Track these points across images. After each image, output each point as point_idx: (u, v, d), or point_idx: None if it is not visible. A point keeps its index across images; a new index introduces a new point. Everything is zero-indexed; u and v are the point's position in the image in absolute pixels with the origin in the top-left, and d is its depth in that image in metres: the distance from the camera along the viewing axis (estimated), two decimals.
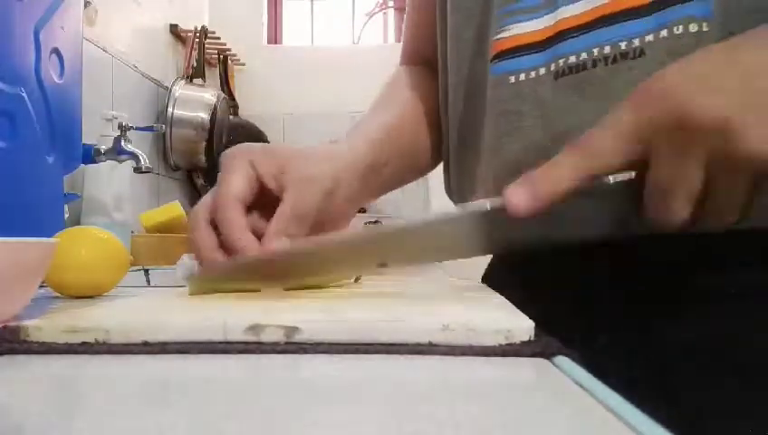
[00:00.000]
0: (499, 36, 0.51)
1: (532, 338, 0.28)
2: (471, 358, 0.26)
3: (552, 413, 0.20)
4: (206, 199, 0.48)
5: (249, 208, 0.47)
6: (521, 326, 0.28)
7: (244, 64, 2.17)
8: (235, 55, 2.11)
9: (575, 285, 0.50)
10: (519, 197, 0.36)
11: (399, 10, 2.39)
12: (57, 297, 0.53)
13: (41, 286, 0.47)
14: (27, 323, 0.29)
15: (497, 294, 0.44)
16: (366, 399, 0.21)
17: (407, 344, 0.28)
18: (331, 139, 0.57)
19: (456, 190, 0.61)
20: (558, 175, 0.36)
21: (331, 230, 0.50)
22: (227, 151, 0.50)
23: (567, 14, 0.48)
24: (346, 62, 2.21)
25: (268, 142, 2.14)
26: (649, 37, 0.44)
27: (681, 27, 0.43)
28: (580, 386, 0.22)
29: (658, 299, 0.46)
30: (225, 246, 0.45)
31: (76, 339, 0.28)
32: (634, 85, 0.36)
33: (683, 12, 0.43)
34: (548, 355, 0.27)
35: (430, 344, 0.28)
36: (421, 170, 0.67)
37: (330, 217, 0.50)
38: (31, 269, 0.39)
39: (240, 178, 0.47)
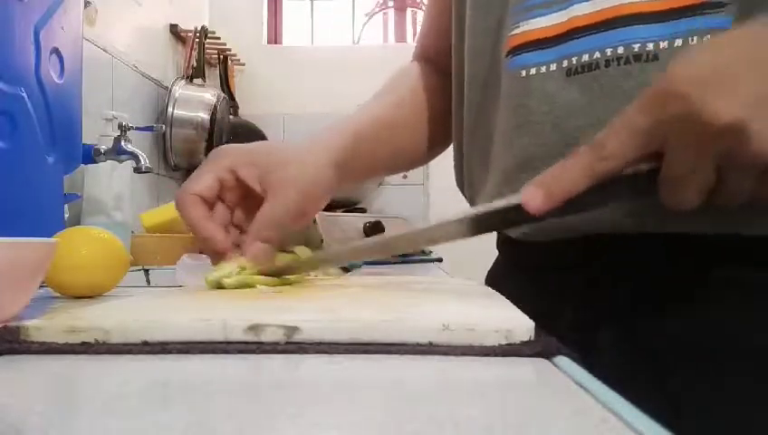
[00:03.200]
0: (513, 32, 0.52)
1: (532, 338, 0.28)
2: (471, 358, 0.26)
3: (552, 413, 0.20)
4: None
5: (233, 209, 0.52)
6: (521, 326, 0.28)
7: (244, 64, 2.17)
8: (235, 55, 2.10)
9: (579, 281, 0.50)
10: (534, 197, 0.37)
11: (399, 10, 2.39)
12: (57, 297, 0.53)
13: (41, 286, 0.47)
14: (27, 323, 0.29)
15: (497, 294, 0.44)
16: (366, 399, 0.21)
17: (407, 344, 0.28)
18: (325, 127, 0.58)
19: (468, 184, 0.62)
20: (571, 177, 0.37)
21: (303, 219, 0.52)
22: (213, 151, 0.52)
23: (579, 11, 0.48)
24: (346, 62, 2.21)
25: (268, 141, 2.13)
26: (664, 44, 0.44)
27: (696, 38, 0.43)
28: (580, 386, 0.22)
29: (661, 297, 0.46)
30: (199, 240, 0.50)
31: (76, 339, 0.28)
32: (646, 87, 0.37)
33: (701, 23, 0.43)
34: (548, 355, 0.27)
35: (430, 344, 0.28)
36: (413, 162, 0.69)
37: (305, 210, 0.51)
38: (31, 269, 0.39)
39: (208, 176, 0.50)
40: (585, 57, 0.47)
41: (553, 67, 0.49)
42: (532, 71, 0.50)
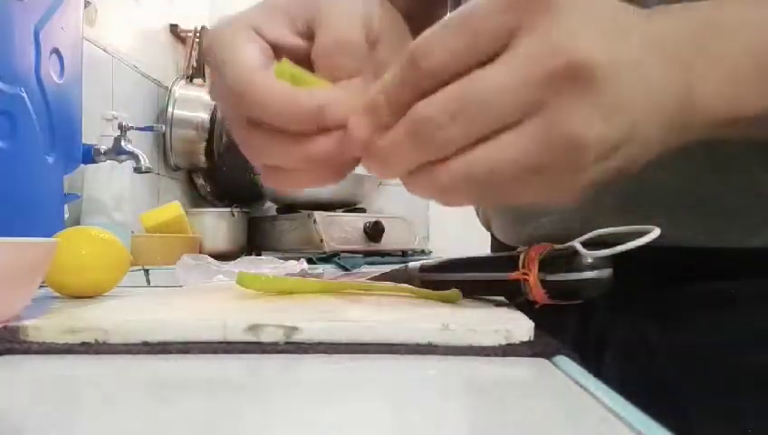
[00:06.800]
0: None
1: (531, 338, 0.28)
2: (471, 358, 0.26)
3: (552, 413, 0.20)
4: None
5: None
6: (521, 326, 0.28)
7: None
8: None
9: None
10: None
11: None
12: (57, 297, 0.53)
13: (41, 286, 0.47)
14: (27, 323, 0.29)
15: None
16: (366, 399, 0.21)
17: (407, 344, 0.28)
18: None
19: None
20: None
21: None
22: (215, 29, 0.36)
23: None
24: None
25: None
26: None
27: None
28: (580, 386, 0.22)
29: (657, 304, 0.46)
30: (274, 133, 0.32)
31: (76, 339, 0.28)
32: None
33: None
34: (548, 355, 0.27)
35: (430, 344, 0.28)
36: None
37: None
38: (31, 269, 0.39)
39: (251, 48, 0.34)
40: None
41: None
42: None
